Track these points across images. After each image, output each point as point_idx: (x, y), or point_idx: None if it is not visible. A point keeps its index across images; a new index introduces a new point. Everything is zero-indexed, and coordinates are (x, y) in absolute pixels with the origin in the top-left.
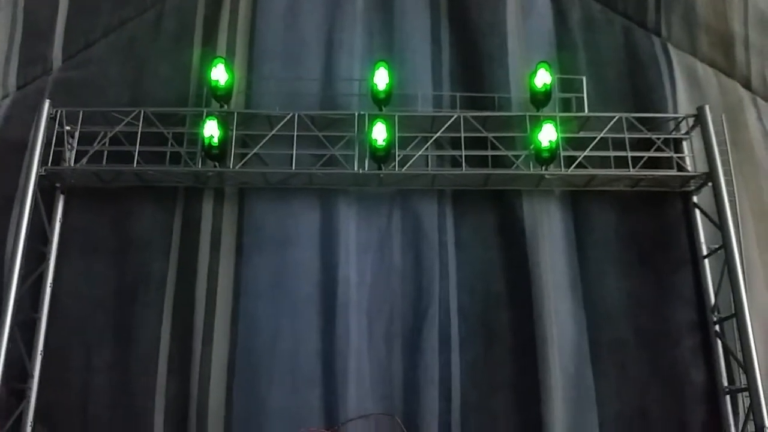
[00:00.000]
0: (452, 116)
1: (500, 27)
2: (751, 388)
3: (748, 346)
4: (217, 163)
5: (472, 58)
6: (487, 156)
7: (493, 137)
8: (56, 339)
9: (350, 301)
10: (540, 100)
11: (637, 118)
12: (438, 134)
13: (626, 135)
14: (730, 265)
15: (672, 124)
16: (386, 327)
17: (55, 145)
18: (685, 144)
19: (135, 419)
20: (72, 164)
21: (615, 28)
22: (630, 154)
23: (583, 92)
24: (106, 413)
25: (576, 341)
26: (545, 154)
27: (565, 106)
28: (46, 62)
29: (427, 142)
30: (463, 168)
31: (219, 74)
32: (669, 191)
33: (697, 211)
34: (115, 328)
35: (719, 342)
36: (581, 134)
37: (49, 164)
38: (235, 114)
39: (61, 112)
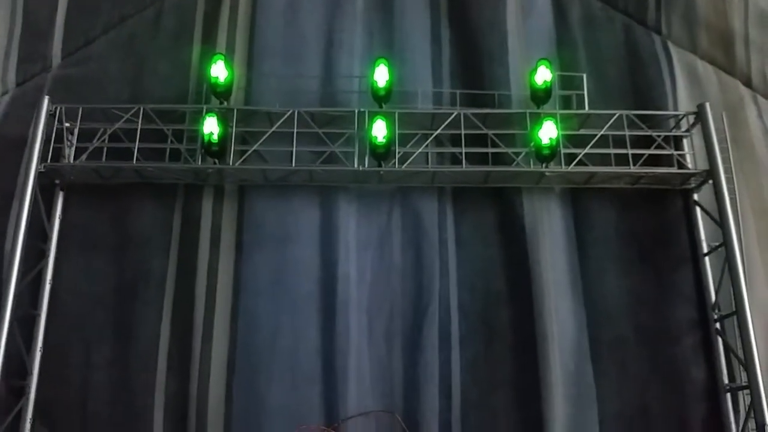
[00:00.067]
0: (452, 113)
1: (500, 25)
2: (751, 386)
3: (749, 344)
4: (216, 160)
5: (472, 56)
6: (487, 153)
7: (494, 134)
8: (55, 336)
9: (350, 299)
10: (540, 97)
11: (638, 116)
12: (438, 131)
13: (627, 132)
14: (730, 262)
15: (672, 122)
16: (386, 324)
17: (54, 142)
18: (685, 141)
19: (134, 416)
20: (71, 161)
21: (615, 25)
22: (630, 151)
23: (583, 89)
24: (105, 410)
25: (576, 339)
26: (545, 152)
27: (566, 103)
28: (46, 59)
29: (428, 139)
30: (464, 165)
31: (219, 71)
32: (669, 189)
33: (698, 209)
34: (115, 325)
35: (720, 339)
36: (582, 131)
37: (49, 161)
38: (235, 111)
39: (61, 108)
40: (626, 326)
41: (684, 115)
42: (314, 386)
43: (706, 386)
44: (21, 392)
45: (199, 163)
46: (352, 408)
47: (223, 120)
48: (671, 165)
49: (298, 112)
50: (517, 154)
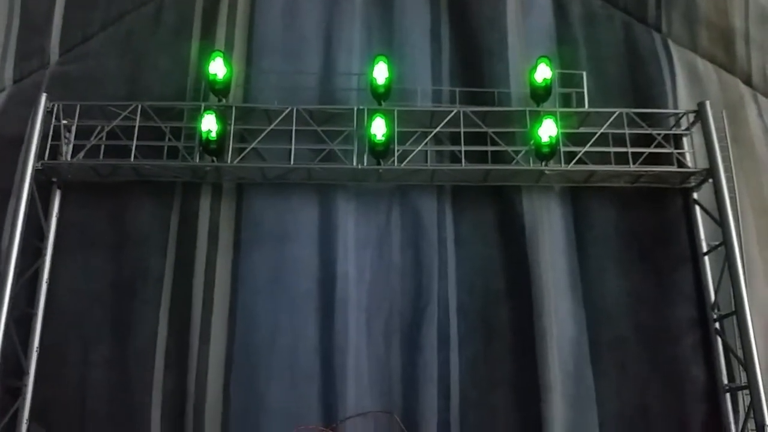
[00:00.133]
0: (452, 111)
1: (500, 22)
2: (751, 386)
3: (749, 344)
4: (214, 158)
5: (472, 54)
6: (486, 151)
7: (493, 133)
8: (52, 335)
9: (349, 298)
10: (540, 95)
11: (638, 114)
12: (437, 129)
13: (626, 131)
14: (730, 261)
15: (672, 120)
16: (385, 323)
17: (51, 140)
18: (685, 140)
19: (132, 415)
20: (69, 158)
21: (615, 23)
22: (630, 150)
23: (583, 87)
24: (102, 409)
25: (576, 338)
26: (545, 150)
27: (565, 101)
28: (43, 56)
29: (427, 137)
30: (463, 163)
31: (217, 68)
32: (669, 187)
33: (698, 208)
34: (112, 324)
35: (719, 339)
36: (581, 130)
37: (46, 158)
38: (233, 108)
39: (58, 106)
40: (626, 326)
41: (684, 114)
42: (313, 385)
43: (705, 386)
44: (17, 392)
45: (197, 160)
46: (350, 407)
47: (222, 117)
48: (671, 163)
49: (297, 110)
50: (517, 152)
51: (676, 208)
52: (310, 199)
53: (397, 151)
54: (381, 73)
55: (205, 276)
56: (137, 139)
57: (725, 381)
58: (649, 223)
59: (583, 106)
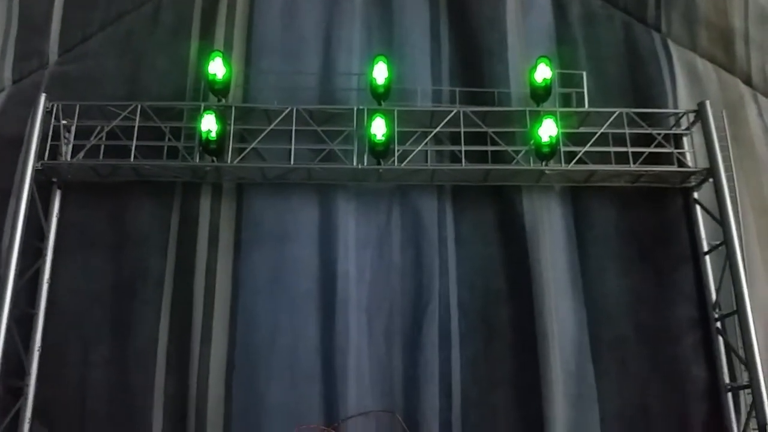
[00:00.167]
0: (452, 111)
1: (500, 22)
2: (753, 385)
3: (750, 343)
4: (214, 158)
5: (472, 54)
6: (486, 151)
7: (493, 132)
8: (53, 335)
9: (349, 298)
10: (540, 95)
11: (638, 114)
12: (437, 129)
13: (626, 130)
14: (731, 261)
15: (672, 120)
16: (386, 323)
17: (51, 140)
18: (685, 140)
19: (133, 416)
20: (68, 159)
21: (615, 23)
22: (630, 149)
23: (583, 87)
24: (104, 410)
25: (576, 338)
26: (545, 150)
27: (565, 101)
28: (43, 56)
29: (427, 137)
30: (463, 163)
31: (217, 68)
32: (669, 187)
33: (698, 207)
34: (113, 324)
35: (720, 339)
36: (581, 129)
37: (46, 159)
38: (233, 108)
39: (58, 106)
40: (626, 325)
41: (684, 113)
42: (314, 385)
43: (707, 386)
44: (19, 392)
45: (197, 161)
46: (351, 407)
47: (221, 117)
48: (671, 163)
49: (297, 110)
50: (517, 152)
51: (676, 208)
52: (310, 199)
53: (397, 151)
54: (381, 73)
55: (205, 276)
56: (137, 139)
57: (727, 380)
58: (649, 223)
59: (583, 106)
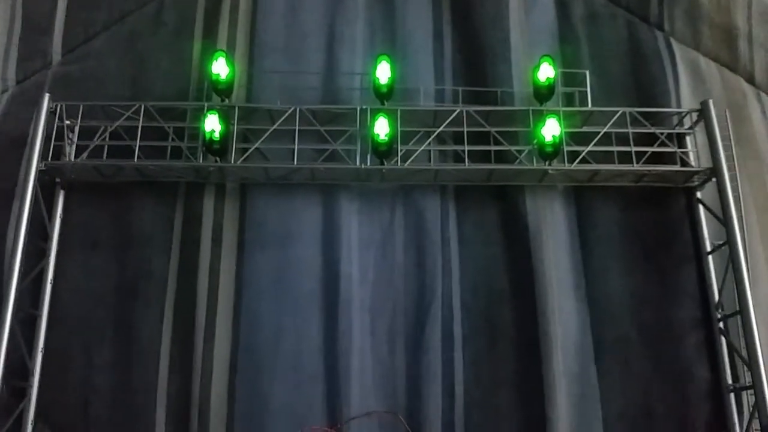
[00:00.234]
0: (455, 111)
1: (503, 21)
2: (756, 386)
3: (753, 343)
4: (218, 158)
5: (475, 53)
6: (489, 151)
7: (496, 132)
8: (57, 336)
9: (353, 298)
10: (543, 94)
11: (641, 113)
12: (441, 129)
13: (630, 130)
14: (734, 261)
15: (675, 119)
16: (389, 324)
17: (55, 140)
18: (688, 139)
19: (136, 417)
20: (72, 159)
21: (618, 22)
22: (633, 149)
23: (586, 86)
24: (107, 411)
25: (579, 338)
26: (548, 149)
27: (569, 100)
28: (46, 56)
29: (430, 137)
30: (466, 163)
31: (220, 68)
32: (672, 187)
33: (701, 207)
34: (116, 325)
35: (723, 339)
36: (584, 129)
37: (49, 159)
38: (236, 108)
39: (61, 106)
40: (629, 325)
41: (687, 113)
42: (317, 386)
43: (709, 386)
44: (22, 393)
45: (201, 161)
46: (354, 407)
47: (225, 117)
48: (674, 162)
49: (300, 110)
50: (520, 151)
51: (679, 207)
52: (314, 199)
53: (401, 150)
54: (384, 72)
55: (208, 277)
56: (140, 140)
57: (729, 381)
58: (652, 223)
59: (586, 105)
